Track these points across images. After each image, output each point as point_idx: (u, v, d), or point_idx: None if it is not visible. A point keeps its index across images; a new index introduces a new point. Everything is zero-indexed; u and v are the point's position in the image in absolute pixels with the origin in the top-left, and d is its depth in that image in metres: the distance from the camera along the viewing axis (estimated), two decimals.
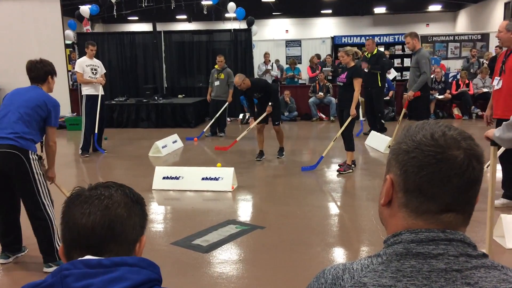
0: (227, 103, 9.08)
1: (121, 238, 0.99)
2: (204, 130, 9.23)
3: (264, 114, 6.88)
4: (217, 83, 9.22)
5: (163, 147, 7.65)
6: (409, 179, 0.86)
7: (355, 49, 6.14)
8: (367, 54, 8.85)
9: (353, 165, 6.29)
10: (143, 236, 1.05)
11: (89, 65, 7.59)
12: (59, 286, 0.90)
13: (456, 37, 14.85)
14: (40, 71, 3.50)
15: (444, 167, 0.83)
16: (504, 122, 2.86)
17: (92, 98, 7.54)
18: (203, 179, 5.54)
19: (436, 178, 0.83)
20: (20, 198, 3.42)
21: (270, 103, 6.83)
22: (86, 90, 7.58)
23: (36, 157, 3.31)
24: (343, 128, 6.11)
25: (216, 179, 5.51)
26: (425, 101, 6.89)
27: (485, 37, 14.38)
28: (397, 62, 14.01)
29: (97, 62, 7.78)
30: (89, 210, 0.97)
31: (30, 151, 3.26)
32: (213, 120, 9.11)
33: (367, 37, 15.28)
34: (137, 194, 1.07)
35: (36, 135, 3.36)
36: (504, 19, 16.05)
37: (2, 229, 3.51)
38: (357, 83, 5.91)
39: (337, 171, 6.18)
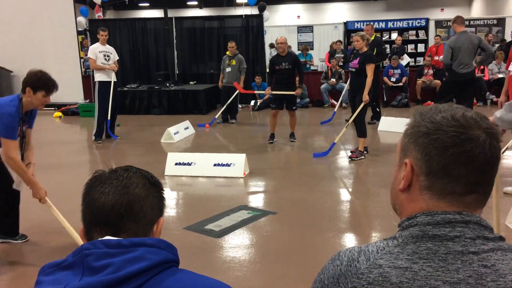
0: (238, 90, 9.05)
1: (139, 217, 1.01)
2: (216, 116, 9.23)
3: (290, 93, 6.92)
4: (228, 69, 9.16)
5: (175, 134, 7.68)
6: (432, 161, 0.85)
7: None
8: None
9: (365, 152, 6.26)
10: (161, 218, 1.07)
11: (102, 51, 7.61)
12: (80, 265, 0.92)
13: (472, 22, 14.57)
14: (23, 80, 3.34)
15: (468, 147, 0.82)
16: (506, 103, 2.75)
17: (105, 85, 7.57)
18: (215, 165, 5.56)
19: (462, 157, 0.83)
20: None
21: (299, 85, 7.09)
22: (99, 77, 7.60)
23: None
24: (355, 114, 6.07)
25: (228, 165, 5.53)
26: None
27: (501, 21, 14.08)
28: (410, 47, 13.82)
29: (110, 48, 7.79)
30: (108, 189, 1.01)
31: None
32: (224, 106, 9.09)
33: (380, 22, 15.14)
34: (155, 178, 1.09)
35: None
36: None
37: None
38: (370, 69, 5.86)
39: (349, 157, 6.16)
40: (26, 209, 3.84)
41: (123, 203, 0.99)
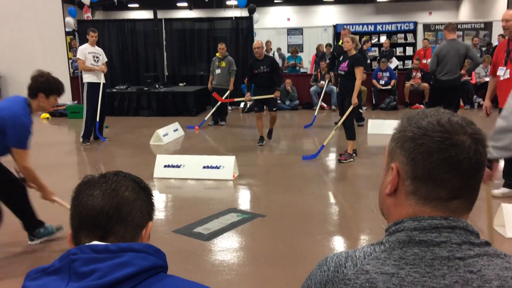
0: (228, 92, 9.02)
1: (128, 220, 1.01)
2: (206, 118, 9.20)
3: (270, 96, 7.06)
4: (218, 71, 9.12)
5: (164, 136, 7.65)
6: (418, 166, 0.85)
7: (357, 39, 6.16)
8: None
9: (354, 154, 6.29)
10: (149, 222, 1.07)
11: (91, 52, 7.55)
12: (67, 270, 0.91)
13: (459, 26, 14.73)
14: (33, 85, 3.26)
15: (453, 152, 0.83)
16: (493, 132, 2.49)
17: (93, 86, 7.52)
18: (204, 167, 5.54)
19: (447, 163, 0.83)
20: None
21: (277, 88, 7.12)
22: (87, 78, 7.55)
23: None
24: (344, 117, 6.10)
25: (217, 167, 5.51)
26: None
27: (488, 25, 14.27)
28: (399, 51, 13.94)
29: (99, 50, 7.74)
30: (98, 192, 1.01)
31: None
32: (214, 108, 9.06)
33: (369, 25, 15.23)
34: (144, 182, 1.09)
35: None
36: (508, 7, 15.93)
37: None
38: (359, 72, 5.89)
39: (338, 160, 6.19)
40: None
41: (112, 205, 0.99)
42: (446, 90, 6.34)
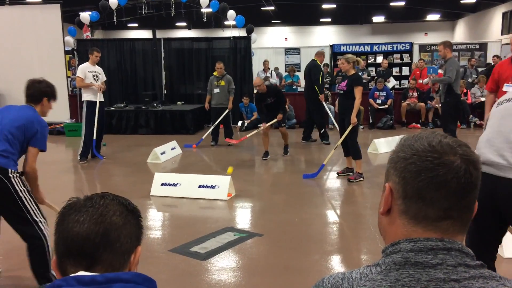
0: (228, 110, 8.95)
1: (116, 246, 0.96)
2: (203, 137, 9.19)
3: (275, 120, 7.42)
4: (217, 90, 9.01)
5: (161, 154, 7.65)
6: (407, 185, 0.87)
7: (356, 57, 6.18)
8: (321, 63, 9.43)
9: (350, 173, 6.30)
10: (138, 247, 1.03)
11: (91, 71, 7.59)
12: None
13: (454, 46, 14.92)
14: (36, 91, 3.33)
15: (441, 171, 0.84)
16: None
17: (92, 105, 7.54)
18: (199, 186, 5.53)
19: (434, 182, 0.85)
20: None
21: (280, 111, 7.44)
22: (86, 96, 7.56)
23: (17, 175, 3.07)
24: (344, 136, 6.10)
25: (212, 187, 5.50)
26: (452, 109, 6.65)
27: (483, 46, 14.47)
28: (395, 70, 14.07)
29: (98, 69, 7.79)
30: (83, 217, 0.96)
31: (9, 170, 3.02)
32: (212, 127, 8.98)
33: (366, 45, 15.40)
34: (133, 205, 1.05)
35: (17, 155, 3.15)
36: (502, 28, 16.18)
37: None
38: (358, 91, 5.90)
39: (348, 180, 6.15)
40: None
41: (99, 232, 0.95)
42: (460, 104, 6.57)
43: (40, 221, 3.09)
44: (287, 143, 7.90)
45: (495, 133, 2.40)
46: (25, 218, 3.03)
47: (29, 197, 3.08)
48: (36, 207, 3.11)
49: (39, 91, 3.33)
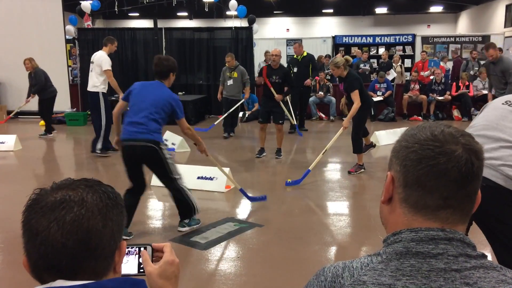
0: (243, 100, 8.90)
1: (97, 253, 0.84)
2: (215, 123, 9.02)
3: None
4: (230, 82, 8.80)
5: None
6: (408, 173, 0.87)
7: (345, 57, 5.97)
8: (298, 57, 9.48)
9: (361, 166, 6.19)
10: (122, 242, 0.90)
11: None
12: None
13: (457, 39, 14.86)
14: (164, 68, 3.92)
15: (442, 160, 0.84)
16: None
17: (106, 96, 7.47)
18: (198, 178, 5.52)
19: (434, 170, 0.85)
20: (145, 183, 4.01)
21: (283, 93, 6.97)
22: (104, 88, 7.38)
23: (165, 146, 3.92)
24: (334, 139, 5.90)
25: (210, 178, 5.49)
26: None
27: (486, 39, 14.38)
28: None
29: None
30: (56, 222, 0.81)
31: (160, 142, 3.85)
32: (222, 117, 8.84)
33: (368, 37, 15.32)
34: (112, 193, 0.90)
35: (161, 128, 3.93)
36: (505, 21, 16.08)
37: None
38: (355, 96, 5.68)
39: (348, 171, 6.11)
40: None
41: (76, 240, 0.81)
42: None
43: (178, 178, 3.99)
44: (280, 146, 7.11)
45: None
46: (168, 176, 3.95)
47: (170, 161, 3.93)
48: (175, 169, 3.97)
49: (167, 68, 3.94)
